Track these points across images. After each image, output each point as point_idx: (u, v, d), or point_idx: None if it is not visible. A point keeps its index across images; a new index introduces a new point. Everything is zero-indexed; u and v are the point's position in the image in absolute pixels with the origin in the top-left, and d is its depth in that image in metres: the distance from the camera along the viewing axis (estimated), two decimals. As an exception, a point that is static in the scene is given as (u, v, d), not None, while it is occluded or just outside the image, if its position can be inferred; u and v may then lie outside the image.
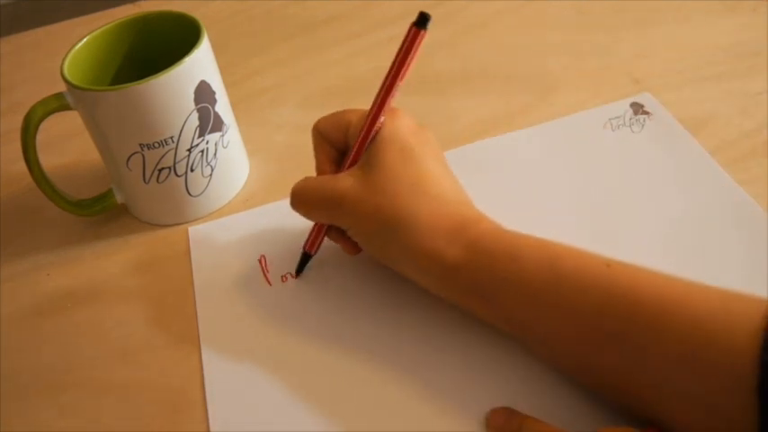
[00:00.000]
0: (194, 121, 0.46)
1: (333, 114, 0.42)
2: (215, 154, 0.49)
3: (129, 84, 0.44)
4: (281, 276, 0.45)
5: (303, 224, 0.43)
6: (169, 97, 0.45)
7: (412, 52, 0.38)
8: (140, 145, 0.46)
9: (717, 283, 0.31)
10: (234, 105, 0.51)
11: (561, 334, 0.34)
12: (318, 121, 0.42)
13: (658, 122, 0.50)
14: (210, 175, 0.49)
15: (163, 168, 0.47)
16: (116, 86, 0.44)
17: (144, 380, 0.41)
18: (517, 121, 0.53)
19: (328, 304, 0.43)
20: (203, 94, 0.46)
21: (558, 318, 0.33)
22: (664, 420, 0.31)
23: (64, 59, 0.46)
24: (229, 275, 0.46)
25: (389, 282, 0.42)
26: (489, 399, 0.36)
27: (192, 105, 0.46)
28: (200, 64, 0.46)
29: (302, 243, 0.44)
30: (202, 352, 0.41)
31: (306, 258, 0.44)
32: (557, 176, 0.48)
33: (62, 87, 0.46)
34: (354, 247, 0.41)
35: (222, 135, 0.49)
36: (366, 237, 0.39)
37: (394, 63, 0.38)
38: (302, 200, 0.41)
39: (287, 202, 0.42)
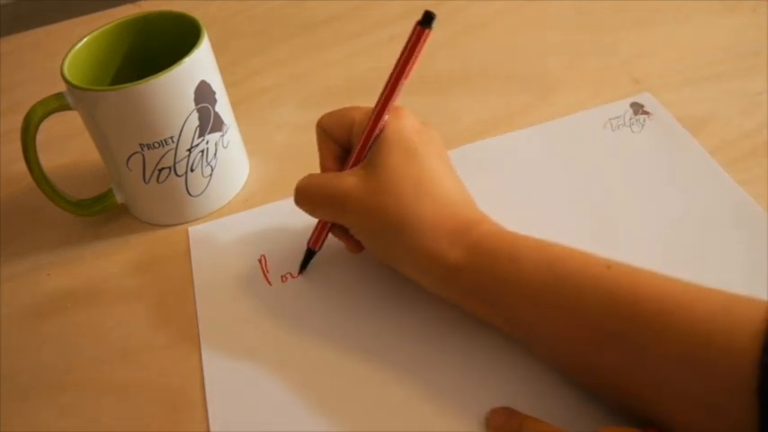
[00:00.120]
0: (194, 121, 0.46)
1: (336, 111, 0.42)
2: (215, 154, 0.49)
3: (129, 84, 0.44)
4: (282, 276, 0.45)
5: (303, 224, 0.43)
6: (169, 97, 0.45)
7: (417, 51, 0.38)
8: (140, 145, 0.46)
9: (717, 283, 0.31)
10: (234, 105, 0.51)
11: (561, 334, 0.34)
12: (322, 118, 0.42)
13: (658, 122, 0.50)
14: (210, 175, 0.49)
15: (163, 168, 0.47)
16: (116, 86, 0.44)
17: (144, 380, 0.41)
18: (517, 121, 0.53)
19: (328, 304, 0.43)
20: (203, 94, 0.46)
21: (559, 318, 0.33)
22: (664, 420, 0.31)
23: (64, 59, 0.46)
24: (229, 275, 0.46)
25: (390, 281, 0.42)
26: (489, 399, 0.36)
27: (192, 105, 0.46)
28: (200, 64, 0.46)
29: (303, 243, 0.44)
30: (202, 352, 0.41)
31: (310, 255, 0.44)
32: (557, 176, 0.48)
33: (62, 87, 0.46)
34: (357, 246, 0.42)
35: (222, 135, 0.49)
36: (369, 236, 0.39)
37: (398, 62, 0.38)
38: (306, 196, 0.41)
39: (287, 201, 0.42)
